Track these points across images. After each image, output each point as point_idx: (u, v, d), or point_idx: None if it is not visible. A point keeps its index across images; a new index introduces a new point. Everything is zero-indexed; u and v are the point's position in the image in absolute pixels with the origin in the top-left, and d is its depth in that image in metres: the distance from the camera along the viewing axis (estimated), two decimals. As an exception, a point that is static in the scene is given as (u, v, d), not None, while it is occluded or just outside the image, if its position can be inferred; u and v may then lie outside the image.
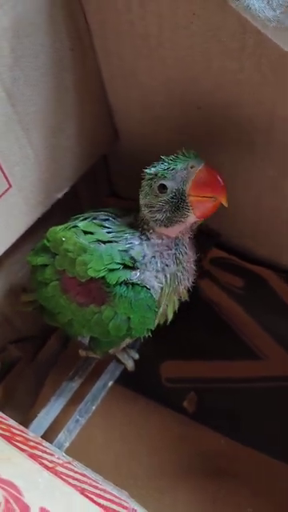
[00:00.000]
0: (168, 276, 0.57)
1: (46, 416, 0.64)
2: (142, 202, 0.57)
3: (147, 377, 0.77)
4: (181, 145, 0.64)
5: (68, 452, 0.66)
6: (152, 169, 0.54)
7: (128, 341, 0.64)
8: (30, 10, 0.51)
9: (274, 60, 0.48)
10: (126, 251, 0.56)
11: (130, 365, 0.70)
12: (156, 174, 0.53)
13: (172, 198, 0.53)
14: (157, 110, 0.62)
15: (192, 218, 0.53)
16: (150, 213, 0.55)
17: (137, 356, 0.70)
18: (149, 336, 0.59)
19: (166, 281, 0.57)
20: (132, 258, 0.56)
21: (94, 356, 0.70)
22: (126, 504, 0.41)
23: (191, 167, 0.52)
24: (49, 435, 0.65)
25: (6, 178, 0.57)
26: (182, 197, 0.52)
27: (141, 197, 0.57)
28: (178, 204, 0.53)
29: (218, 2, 0.46)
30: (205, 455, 0.71)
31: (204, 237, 0.77)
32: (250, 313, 0.79)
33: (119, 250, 0.56)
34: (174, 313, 0.61)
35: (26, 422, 0.67)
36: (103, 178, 0.81)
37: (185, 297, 0.61)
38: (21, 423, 0.68)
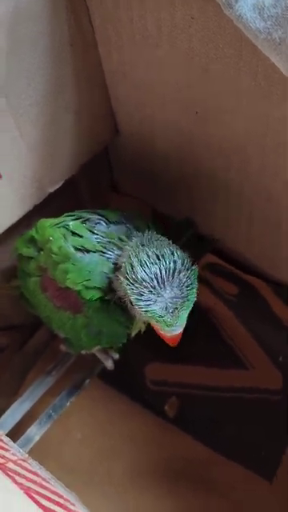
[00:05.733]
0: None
1: (18, 407, 0.65)
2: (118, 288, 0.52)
3: (132, 377, 0.76)
4: (177, 148, 0.63)
5: (44, 444, 0.66)
6: (142, 304, 0.47)
7: (100, 347, 0.64)
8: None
9: (267, 71, 0.47)
10: (105, 273, 0.54)
11: (108, 364, 0.69)
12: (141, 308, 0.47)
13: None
14: (154, 110, 0.62)
15: None
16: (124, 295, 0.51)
17: (117, 356, 0.70)
18: (136, 337, 0.59)
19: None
20: (109, 280, 0.54)
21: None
22: (71, 507, 0.41)
23: (168, 326, 0.48)
24: (21, 427, 0.65)
25: (-4, 167, 0.57)
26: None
27: (120, 279, 0.50)
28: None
29: (215, 7, 0.45)
30: (182, 460, 0.71)
31: (199, 241, 0.77)
32: (241, 320, 0.77)
33: (100, 272, 0.54)
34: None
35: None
36: (105, 173, 0.81)
37: None
38: (2, 412, 0.69)
